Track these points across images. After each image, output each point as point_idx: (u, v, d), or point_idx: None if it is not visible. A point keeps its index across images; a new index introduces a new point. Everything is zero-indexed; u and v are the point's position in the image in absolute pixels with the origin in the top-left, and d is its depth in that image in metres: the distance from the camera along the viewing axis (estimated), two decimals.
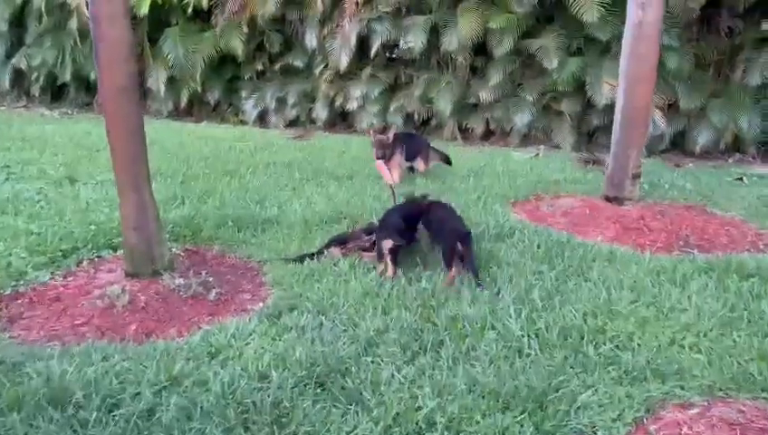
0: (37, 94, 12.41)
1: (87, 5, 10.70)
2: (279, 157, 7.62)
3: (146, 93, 12.04)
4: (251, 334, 3.15)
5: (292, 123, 11.26)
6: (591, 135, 9.27)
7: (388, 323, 3.24)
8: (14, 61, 12.16)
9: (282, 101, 11.24)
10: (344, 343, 3.05)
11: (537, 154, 8.48)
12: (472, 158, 7.82)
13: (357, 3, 10.11)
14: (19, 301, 3.64)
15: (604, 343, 3.08)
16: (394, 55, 11.38)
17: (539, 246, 4.37)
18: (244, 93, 11.48)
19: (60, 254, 4.16)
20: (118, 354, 2.94)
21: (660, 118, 8.20)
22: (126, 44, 3.46)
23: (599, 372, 2.83)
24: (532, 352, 2.99)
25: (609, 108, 7.35)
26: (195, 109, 11.83)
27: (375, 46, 10.07)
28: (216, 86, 11.53)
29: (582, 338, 3.12)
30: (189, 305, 3.57)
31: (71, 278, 3.93)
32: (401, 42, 10.46)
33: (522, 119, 9.30)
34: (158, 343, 3.11)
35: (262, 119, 11.39)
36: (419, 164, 6.61)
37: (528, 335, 3.12)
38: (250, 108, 11.38)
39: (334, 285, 3.73)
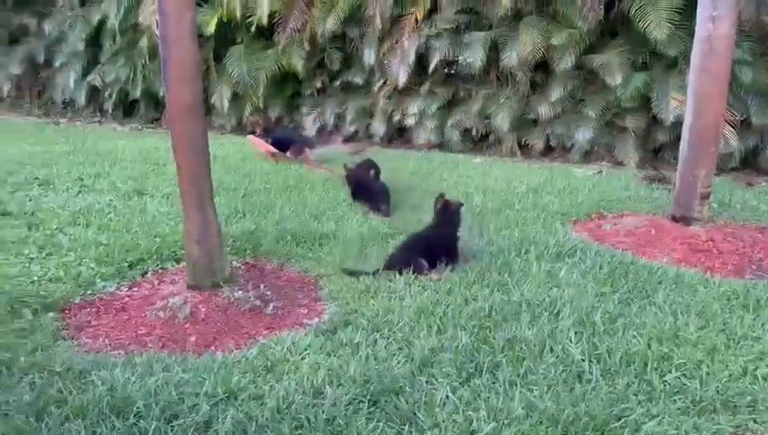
0: (110, 110, 13.00)
1: (157, 26, 11.25)
2: (337, 172, 7.67)
3: (210, 109, 12.42)
4: (306, 349, 3.17)
5: (350, 138, 11.38)
6: (657, 152, 8.99)
7: (443, 342, 3.20)
8: (89, 78, 12.79)
9: (340, 117, 11.39)
10: (398, 362, 3.02)
11: (599, 171, 8.27)
12: (531, 174, 7.69)
13: (416, 19, 10.19)
14: (87, 310, 3.78)
15: (670, 371, 2.94)
16: (452, 71, 11.39)
17: (601, 267, 4.25)
18: (304, 109, 11.69)
19: (126, 265, 4.32)
20: (178, 365, 3.00)
21: (731, 134, 7.86)
22: (193, 65, 3.58)
23: (664, 402, 2.71)
24: (593, 378, 2.89)
25: (677, 124, 7.11)
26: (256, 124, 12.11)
27: (434, 62, 10.10)
28: (277, 102, 11.79)
29: (647, 365, 2.99)
30: (247, 318, 3.62)
31: (136, 289, 4.07)
32: (460, 58, 10.46)
33: (583, 135, 9.10)
34: (216, 355, 3.17)
35: (320, 133, 11.54)
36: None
37: (589, 360, 3.02)
38: (310, 123, 11.56)
39: (389, 302, 3.72)
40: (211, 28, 11.07)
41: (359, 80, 11.16)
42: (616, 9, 8.92)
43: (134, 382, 2.79)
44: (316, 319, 3.66)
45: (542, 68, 9.61)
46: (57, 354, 3.09)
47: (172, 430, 2.48)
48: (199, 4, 11.93)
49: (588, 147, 9.26)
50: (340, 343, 3.24)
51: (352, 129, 11.38)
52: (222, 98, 11.65)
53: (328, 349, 3.18)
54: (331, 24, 10.53)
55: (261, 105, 11.58)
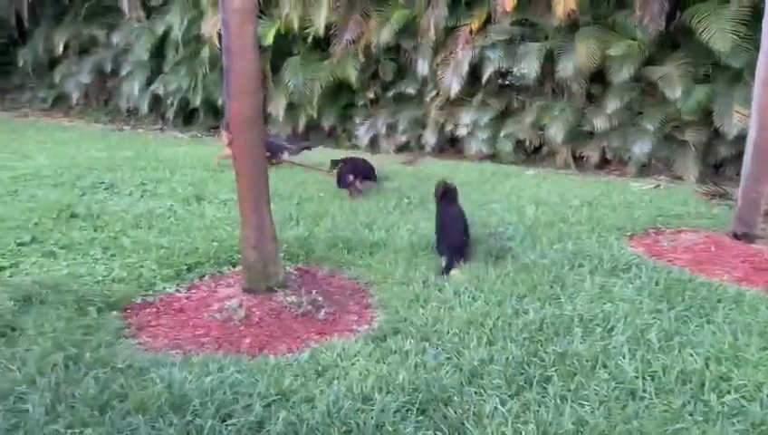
0: (171, 118, 13.49)
1: (219, 38, 11.64)
2: (387, 182, 7.75)
3: (266, 118, 12.76)
4: (356, 355, 3.21)
5: (401, 148, 11.46)
6: (718, 167, 8.70)
7: (493, 354, 3.20)
8: (153, 87, 13.32)
9: (392, 127, 11.48)
10: (447, 372, 3.03)
11: (657, 185, 8.05)
12: (586, 187, 7.57)
13: (471, 31, 10.21)
14: (147, 310, 3.94)
15: (728, 392, 2.85)
16: (506, 82, 11.34)
17: (657, 283, 4.15)
18: (357, 119, 11.83)
19: (185, 268, 4.48)
20: (233, 366, 3.10)
21: None
22: (254, 76, 3.71)
23: (722, 423, 2.63)
24: (647, 396, 2.83)
25: (740, 139, 6.88)
26: (311, 133, 12.33)
27: (487, 73, 10.08)
28: (331, 112, 11.98)
29: (704, 385, 2.91)
30: (300, 323, 3.70)
31: (193, 291, 4.22)
32: (514, 68, 10.41)
33: (641, 148, 8.90)
34: (269, 357, 3.25)
35: (373, 144, 11.67)
36: None
37: (643, 377, 2.96)
38: (362, 133, 11.70)
39: (438, 311, 3.73)
40: (269, 39, 11.35)
41: (411, 90, 11.23)
42: (677, 20, 8.71)
43: (191, 381, 2.90)
44: (366, 326, 3.71)
45: (598, 79, 9.46)
46: (119, 351, 3.23)
47: (226, 429, 2.56)
48: (259, 17, 12.22)
49: (645, 160, 9.04)
50: (390, 350, 3.27)
51: (404, 139, 11.45)
52: (278, 107, 11.91)
53: (377, 356, 3.21)
54: (385, 35, 10.66)
55: (315, 115, 11.79)
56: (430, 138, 11.06)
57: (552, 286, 4.08)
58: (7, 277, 4.18)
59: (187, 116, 13.68)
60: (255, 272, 3.97)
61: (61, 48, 14.28)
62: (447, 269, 4.41)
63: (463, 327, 3.50)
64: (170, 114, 13.50)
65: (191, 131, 12.92)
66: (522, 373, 3.02)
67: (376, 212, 6.07)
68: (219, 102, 12.74)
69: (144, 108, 13.63)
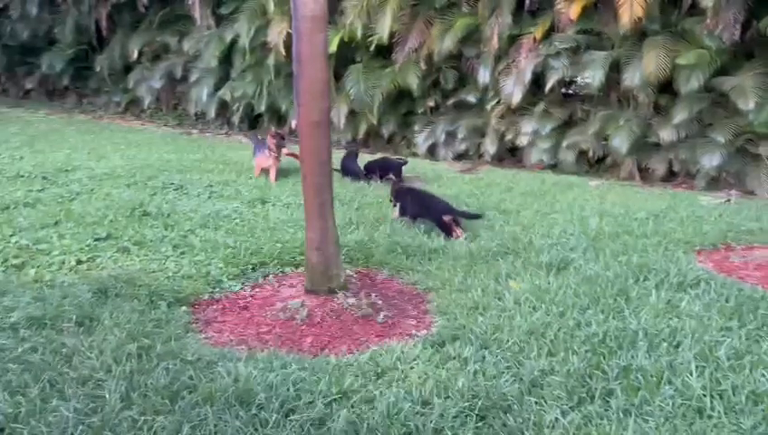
0: (237, 123, 13.90)
1: (283, 46, 11.95)
2: (447, 189, 7.76)
3: None
4: (415, 359, 3.25)
5: (460, 156, 11.45)
6: None
7: (554, 365, 3.16)
8: (220, 93, 13.75)
9: (452, 135, 11.48)
10: (507, 380, 3.02)
11: (727, 200, 7.75)
12: (651, 200, 7.36)
13: (534, 39, 10.12)
14: (214, 306, 4.09)
15: None
16: (570, 91, 11.18)
17: (727, 300, 4.00)
18: (416, 127, 11.89)
19: (250, 267, 4.62)
20: (295, 364, 3.18)
21: None
22: (323, 82, 3.81)
23: None
24: (715, 415, 2.74)
25: None
26: (370, 140, 12.47)
27: (551, 82, 9.96)
28: (391, 120, 12.08)
29: None
30: (359, 325, 3.76)
31: (258, 290, 4.35)
32: (578, 77, 10.25)
33: (710, 161, 8.60)
34: (330, 357, 3.32)
35: (432, 151, 11.69)
36: None
37: (711, 396, 2.87)
38: (421, 141, 11.74)
39: (498, 319, 3.72)
40: (333, 47, 11.53)
41: (472, 99, 11.22)
42: (753, 29, 8.39)
43: (255, 376, 2.99)
44: (424, 331, 3.73)
45: (666, 89, 9.21)
46: (188, 345, 3.37)
47: (290, 424, 2.64)
48: None
49: (714, 173, 8.73)
50: (449, 356, 3.29)
51: (463, 147, 11.43)
52: (339, 114, 12.09)
53: (436, 361, 3.24)
54: (448, 43, 10.69)
55: (375, 122, 11.91)
56: (490, 146, 11.01)
57: (615, 299, 3.99)
58: (85, 270, 4.41)
59: (252, 121, 14.06)
60: (318, 273, 4.06)
61: (135, 54, 14.94)
62: (448, 230, 5.48)
63: (523, 337, 3.47)
64: (236, 119, 13.91)
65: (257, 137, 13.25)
66: (583, 386, 2.98)
67: None
68: (283, 109, 13.06)
69: (211, 113, 14.09)
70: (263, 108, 13.32)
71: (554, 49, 9.93)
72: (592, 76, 9.50)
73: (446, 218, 5.54)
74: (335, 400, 2.83)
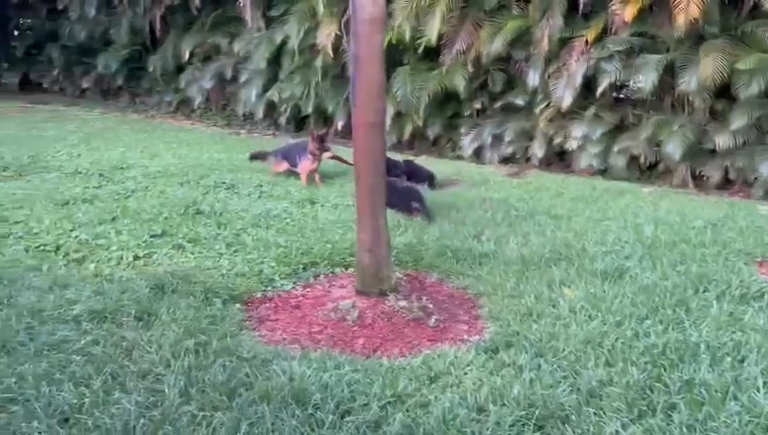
0: (284, 124, 14.06)
1: (332, 48, 12.03)
2: (495, 193, 7.69)
3: None
4: (469, 365, 3.21)
5: (506, 160, 11.32)
6: None
7: (612, 376, 3.08)
8: (268, 94, 13.94)
9: (498, 138, 11.35)
10: (564, 390, 2.96)
11: None
12: (707, 208, 7.13)
13: (587, 41, 9.93)
14: (266, 305, 4.13)
15: None
16: (621, 95, 10.93)
17: None
18: (463, 129, 11.79)
19: (301, 267, 4.66)
20: (348, 365, 3.18)
21: None
22: (379, 84, 3.81)
23: None
24: None
25: None
26: (416, 142, 12.45)
27: (602, 86, 9.75)
28: (437, 122, 12.03)
29: None
30: (411, 328, 3.75)
31: (309, 290, 4.38)
32: (631, 81, 10.01)
33: None
34: (382, 359, 3.32)
35: (477, 154, 11.60)
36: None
37: None
38: (467, 143, 11.64)
39: (553, 327, 3.65)
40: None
41: (520, 101, 11.07)
42: None
43: (310, 376, 3.00)
44: (477, 336, 3.69)
45: (723, 95, 8.91)
46: (243, 342, 3.42)
47: (345, 425, 2.64)
48: None
49: None
50: (503, 363, 3.24)
51: (510, 150, 11.30)
52: (385, 116, 12.06)
53: (490, 367, 3.19)
54: (497, 45, 10.57)
55: (421, 124, 11.88)
56: (538, 150, 10.85)
57: (674, 310, 3.87)
58: (142, 266, 4.52)
59: (299, 122, 14.20)
60: (369, 275, 4.06)
61: (187, 55, 15.28)
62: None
63: (579, 346, 3.40)
64: (283, 120, 14.08)
65: (302, 137, 13.36)
66: (644, 398, 2.89)
67: (484, 223, 6.02)
68: (330, 110, 13.16)
69: (259, 113, 14.29)
70: (310, 109, 13.43)
71: (607, 52, 9.72)
72: (645, 80, 9.26)
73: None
74: (390, 403, 2.82)
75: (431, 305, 3.99)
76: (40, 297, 3.75)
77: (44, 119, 13.55)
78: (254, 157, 8.48)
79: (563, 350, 3.36)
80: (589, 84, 10.08)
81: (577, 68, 9.96)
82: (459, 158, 11.68)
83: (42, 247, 4.74)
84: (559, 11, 10.12)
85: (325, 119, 13.62)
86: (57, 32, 18.56)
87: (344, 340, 3.62)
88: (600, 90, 9.81)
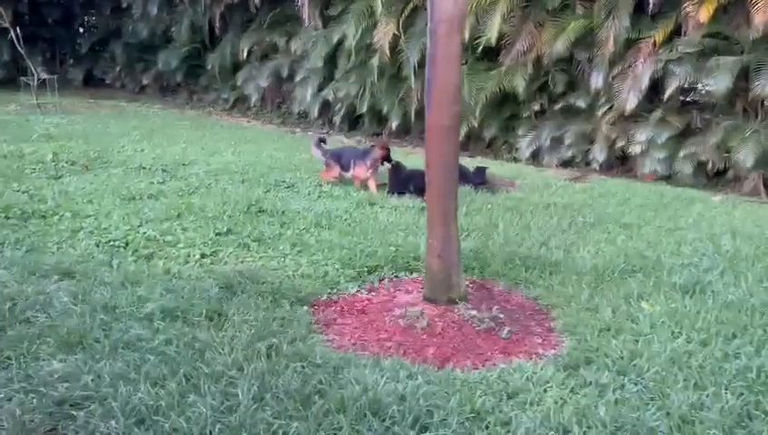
0: (338, 123, 14.10)
1: (389, 47, 11.95)
2: (557, 198, 7.47)
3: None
4: (548, 382, 3.07)
5: (565, 163, 11.03)
6: None
7: (704, 400, 2.90)
8: (323, 93, 14.00)
9: (557, 141, 11.08)
10: (653, 413, 2.79)
11: None
12: None
13: (654, 42, 9.57)
14: (332, 308, 4.07)
15: None
16: (689, 99, 10.51)
17: None
18: (520, 131, 11.57)
19: (366, 270, 4.58)
20: (421, 375, 3.08)
21: None
22: (456, 86, 3.70)
23: None
24: None
25: None
26: (471, 144, 12.26)
27: (670, 89, 9.40)
28: (493, 123, 11.83)
29: None
30: (482, 339, 3.62)
31: (374, 294, 4.30)
32: (700, 84, 9.61)
33: None
34: (456, 371, 3.20)
35: (534, 157, 11.35)
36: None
37: None
38: (524, 146, 11.42)
39: (634, 344, 3.47)
40: None
41: (581, 104, 10.77)
42: None
43: (383, 385, 2.92)
44: (552, 351, 3.54)
45: None
46: (313, 347, 3.36)
47: None
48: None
49: None
50: (584, 381, 3.09)
51: (569, 154, 11.01)
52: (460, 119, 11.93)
53: (571, 385, 3.04)
54: (559, 46, 10.30)
55: (477, 125, 11.70)
56: (598, 154, 10.53)
57: (765, 330, 3.63)
58: (209, 264, 4.54)
59: (353, 122, 14.20)
60: (438, 282, 3.95)
61: (245, 53, 15.48)
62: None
63: (665, 365, 3.21)
64: (337, 119, 14.11)
65: (356, 136, 13.39)
66: (743, 426, 2.70)
67: (550, 229, 5.84)
68: (384, 110, 13.10)
69: (314, 112, 14.36)
70: (364, 109, 13.42)
71: (676, 54, 9.36)
72: (717, 83, 8.85)
73: None
74: (468, 419, 2.71)
75: (502, 316, 3.86)
76: (113, 293, 3.78)
77: (108, 114, 13.95)
78: (321, 140, 8.13)
79: (647, 369, 3.18)
80: (655, 87, 9.73)
81: (643, 70, 9.62)
82: (515, 160, 11.46)
83: (111, 243, 4.81)
84: (625, 11, 9.79)
85: (379, 119, 13.58)
86: (120, 29, 19.12)
87: (414, 348, 3.52)
88: (667, 93, 9.46)
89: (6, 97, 15.01)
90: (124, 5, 18.31)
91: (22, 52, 13.74)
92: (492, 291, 4.44)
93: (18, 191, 6.15)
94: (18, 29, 13.82)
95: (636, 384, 3.05)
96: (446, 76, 3.66)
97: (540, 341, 3.69)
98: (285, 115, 15.55)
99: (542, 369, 3.20)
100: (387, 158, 7.44)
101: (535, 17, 10.87)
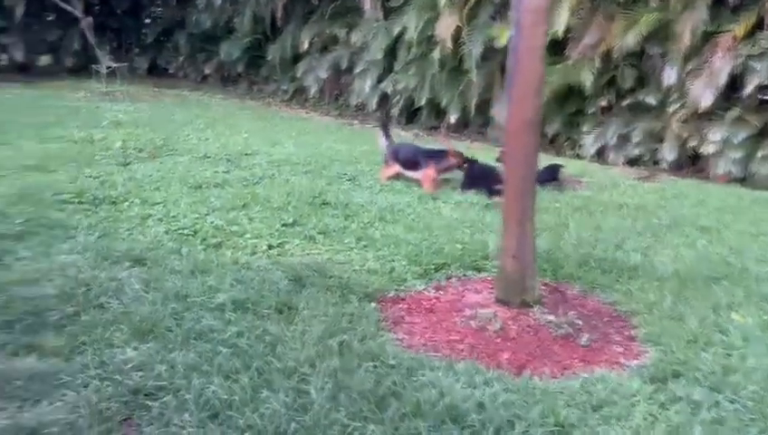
0: (396, 115, 13.96)
1: (451, 40, 11.75)
2: (628, 198, 7.16)
3: (488, 121, 12.66)
4: (634, 395, 2.88)
5: (631, 162, 10.61)
6: None
7: None
8: (382, 85, 13.90)
9: (624, 138, 10.67)
10: None
11: None
12: None
13: (734, 37, 9.06)
14: (399, 305, 3.96)
15: None
16: (766, 97, 9.93)
17: None
18: (585, 128, 11.19)
19: (432, 267, 4.46)
20: (497, 382, 2.95)
21: None
22: (539, 79, 3.52)
23: None
24: None
25: None
26: None
27: (750, 86, 8.90)
28: (556, 119, 11.47)
29: None
30: (559, 346, 3.45)
31: (441, 292, 4.17)
32: None
33: None
34: (534, 379, 3.05)
35: (600, 155, 10.97)
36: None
37: None
38: (589, 143, 11.05)
39: (726, 358, 3.24)
40: (503, 41, 11.19)
41: (651, 100, 10.32)
42: None
43: (459, 390, 2.80)
44: (635, 361, 3.34)
45: None
46: (384, 345, 3.26)
47: None
48: (493, 18, 12.20)
49: None
50: (674, 396, 2.88)
51: (636, 152, 10.58)
52: (503, 111, 11.66)
53: (660, 400, 2.85)
54: (630, 39, 9.89)
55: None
56: (668, 153, 10.08)
57: None
58: (276, 256, 4.50)
59: (410, 115, 14.05)
60: (512, 283, 3.79)
61: (306, 45, 15.50)
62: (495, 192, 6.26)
63: (763, 383, 2.98)
64: (395, 112, 13.97)
65: (413, 130, 13.24)
66: None
67: (623, 231, 5.58)
68: (443, 103, 12.90)
69: (372, 105, 14.28)
70: (423, 102, 13.23)
71: (758, 49, 8.84)
72: None
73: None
74: (552, 432, 2.56)
75: (580, 322, 3.67)
76: (183, 282, 3.78)
77: (172, 103, 14.24)
78: (384, 125, 7.86)
79: (743, 386, 2.96)
80: (734, 84, 9.22)
81: (721, 66, 9.13)
82: (578, 157, 11.09)
83: (180, 230, 4.84)
84: (704, 3, 9.32)
85: (437, 112, 13.38)
86: (185, 20, 19.46)
87: (487, 352, 3.37)
88: (747, 90, 8.96)
89: (77, 84, 15.52)
90: None
91: (92, 42, 14.16)
92: (565, 294, 4.24)
93: (90, 177, 6.29)
94: (89, 18, 14.23)
95: (732, 403, 2.83)
96: (531, 68, 3.49)
97: (621, 350, 3.49)
98: (342, 107, 15.51)
99: (627, 380, 3.01)
100: (459, 167, 7.18)
101: (605, 10, 10.47)
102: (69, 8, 15.36)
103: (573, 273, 4.50)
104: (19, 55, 17.87)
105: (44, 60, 19.28)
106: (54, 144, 7.99)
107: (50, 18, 18.83)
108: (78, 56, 18.53)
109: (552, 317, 3.65)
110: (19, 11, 16.78)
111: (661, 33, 9.90)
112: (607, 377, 3.04)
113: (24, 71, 17.93)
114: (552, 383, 3.00)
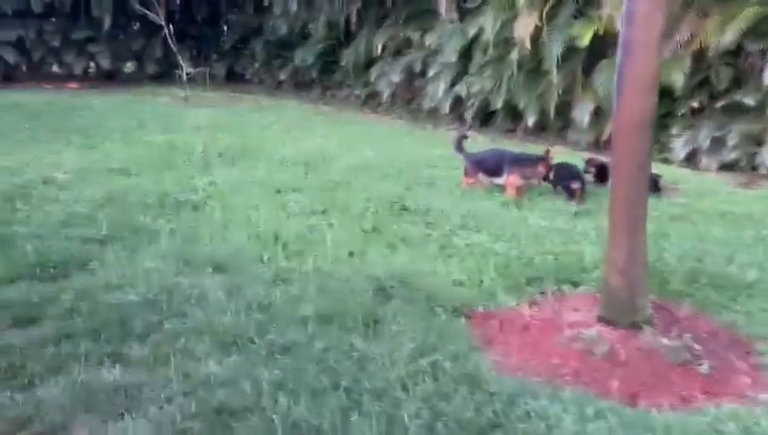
0: (469, 119, 13.62)
1: (530, 40, 11.34)
2: (730, 206, 6.58)
3: (567, 123, 12.13)
4: None
5: (726, 167, 9.86)
6: None
7: None
8: (456, 88, 13.59)
9: (718, 142, 9.92)
10: None
11: None
12: None
13: None
14: (490, 321, 3.68)
15: None
16: None
17: None
18: (674, 130, 10.50)
19: (524, 281, 4.15)
20: (610, 414, 2.64)
21: None
22: (653, 74, 3.18)
23: None
24: None
25: None
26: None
27: None
28: None
29: None
30: (677, 373, 3.08)
31: (536, 309, 3.86)
32: None
33: None
34: (651, 412, 2.71)
35: (690, 159, 10.26)
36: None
37: None
38: (679, 146, 10.35)
39: None
40: (585, 41, 10.72)
41: (750, 101, 9.55)
42: None
43: (569, 423, 2.51)
44: (765, 395, 2.94)
45: None
46: (479, 367, 3.00)
47: None
48: (575, 17, 11.70)
49: None
50: None
51: (732, 156, 9.82)
52: (583, 113, 11.21)
53: None
54: (729, 36, 9.21)
55: None
56: None
57: None
58: (358, 264, 4.32)
59: (485, 118, 13.67)
60: (619, 301, 3.44)
61: (379, 49, 15.40)
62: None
63: None
64: (469, 115, 13.63)
65: (488, 133, 12.86)
66: None
67: (732, 243, 5.08)
68: (521, 106, 12.48)
69: (445, 108, 13.96)
70: (499, 105, 12.83)
71: None
72: None
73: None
74: None
75: (698, 346, 3.28)
76: (266, 291, 3.66)
77: (249, 108, 14.44)
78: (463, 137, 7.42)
79: None
80: None
81: None
82: (666, 161, 10.37)
83: (260, 237, 4.74)
84: None
85: (514, 115, 12.95)
86: (261, 27, 19.80)
87: (594, 378, 3.05)
88: None
89: (159, 90, 16.03)
90: (266, 4, 18.93)
91: (174, 48, 14.56)
92: (675, 314, 3.84)
93: (171, 181, 6.33)
94: (171, 26, 14.65)
95: None
96: (644, 63, 3.15)
97: (748, 381, 3.09)
98: (415, 111, 15.29)
99: (763, 419, 2.63)
100: (545, 177, 6.76)
101: (699, 5, 9.81)
102: (152, 16, 15.88)
103: (682, 289, 4.08)
104: (106, 63, 18.78)
105: (129, 67, 20.11)
106: (138, 148, 8.16)
107: (134, 27, 19.62)
108: (160, 63, 19.22)
109: (665, 340, 3.28)
110: (107, 22, 17.58)
111: (761, 29, 9.18)
112: (738, 413, 2.67)
113: (110, 78, 18.78)
114: (672, 418, 2.66)
